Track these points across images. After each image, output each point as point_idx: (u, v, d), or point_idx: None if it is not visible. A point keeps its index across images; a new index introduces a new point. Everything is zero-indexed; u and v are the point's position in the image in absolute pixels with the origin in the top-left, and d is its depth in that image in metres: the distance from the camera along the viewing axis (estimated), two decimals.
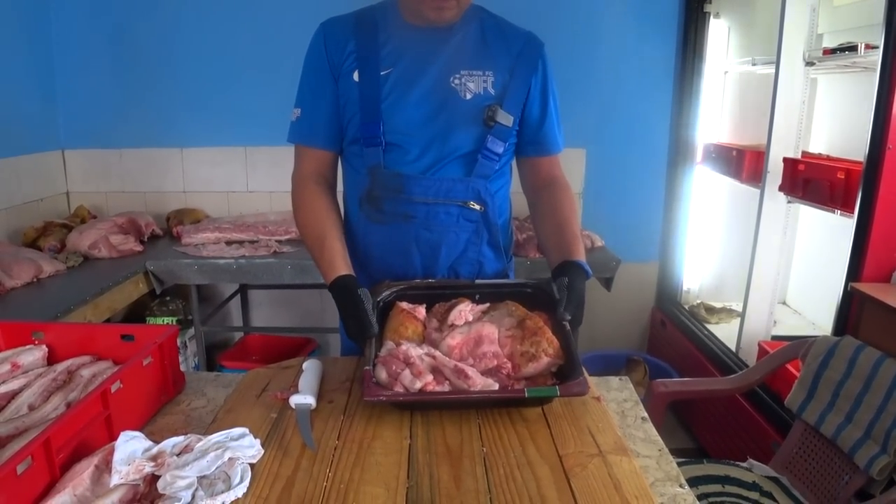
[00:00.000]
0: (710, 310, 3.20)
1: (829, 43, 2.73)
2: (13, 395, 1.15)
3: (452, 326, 1.22)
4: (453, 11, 1.28)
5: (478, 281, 1.41)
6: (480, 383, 1.09)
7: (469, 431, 1.03)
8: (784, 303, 3.28)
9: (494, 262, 1.48)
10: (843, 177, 2.02)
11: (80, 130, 3.22)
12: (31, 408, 1.12)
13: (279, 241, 2.81)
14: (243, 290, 3.38)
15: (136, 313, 2.95)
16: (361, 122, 1.35)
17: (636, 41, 3.12)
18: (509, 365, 1.14)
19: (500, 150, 1.38)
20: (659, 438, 1.11)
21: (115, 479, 0.88)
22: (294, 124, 1.42)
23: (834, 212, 2.11)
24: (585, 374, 1.09)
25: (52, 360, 1.28)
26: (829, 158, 2.59)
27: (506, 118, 1.36)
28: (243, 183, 3.26)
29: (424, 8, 1.26)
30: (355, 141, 1.39)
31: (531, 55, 1.39)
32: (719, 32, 3.14)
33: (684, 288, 3.40)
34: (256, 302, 3.47)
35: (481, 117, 1.35)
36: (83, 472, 0.90)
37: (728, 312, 3.19)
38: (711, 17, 3.08)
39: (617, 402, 1.24)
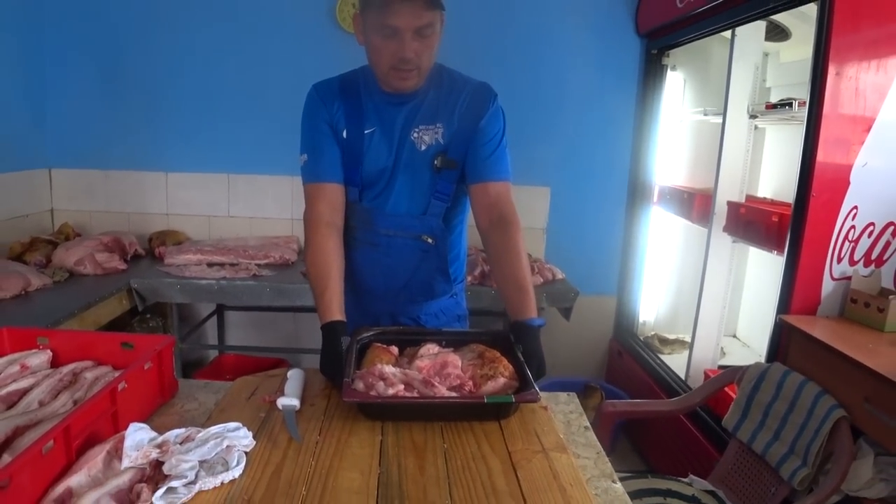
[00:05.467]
0: (664, 341, 3.40)
1: (777, 95, 3.00)
2: (24, 393, 1.27)
3: (422, 357, 1.39)
4: (415, 80, 1.49)
5: (445, 329, 1.64)
6: (445, 393, 1.25)
7: (433, 431, 1.19)
8: (734, 335, 3.50)
9: (443, 284, 1.70)
10: (776, 220, 2.25)
11: (68, 151, 3.34)
12: (42, 404, 1.24)
13: (258, 265, 2.95)
14: (220, 310, 3.50)
15: (115, 328, 3.03)
16: (345, 167, 1.58)
17: (599, 89, 3.36)
18: (471, 383, 1.31)
19: (450, 190, 1.60)
20: (598, 443, 1.28)
21: (125, 463, 1.02)
22: (304, 167, 1.60)
23: (771, 251, 2.33)
24: (537, 388, 1.27)
25: (55, 363, 1.40)
26: (772, 203, 2.83)
27: (450, 163, 1.57)
28: (225, 208, 3.40)
29: (391, 79, 1.48)
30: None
31: (477, 103, 1.58)
32: (676, 84, 3.40)
33: (640, 320, 3.60)
34: (232, 322, 3.58)
35: (432, 164, 1.57)
36: (97, 457, 1.03)
37: (681, 343, 3.40)
38: (669, 70, 3.32)
39: (564, 413, 1.40)
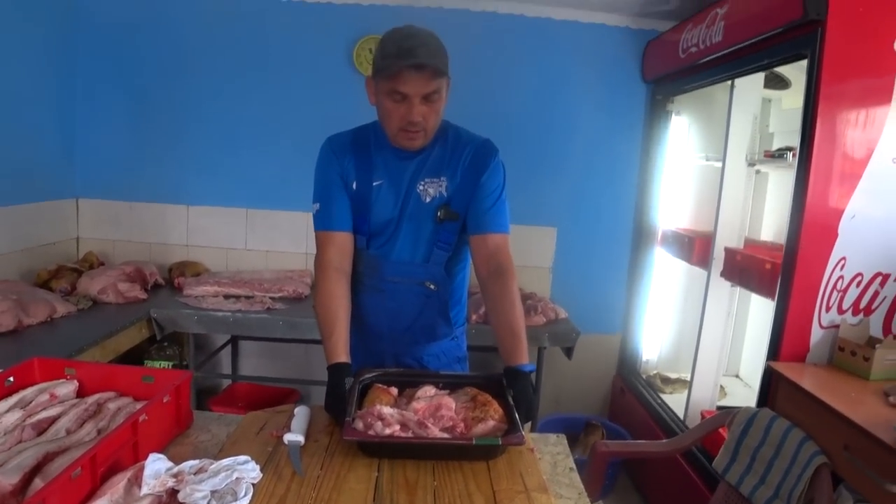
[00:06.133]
0: (666, 380, 3.47)
1: (779, 140, 3.09)
2: (52, 421, 1.38)
3: (418, 399, 1.49)
4: (421, 140, 1.61)
5: (442, 371, 1.76)
6: (438, 435, 1.35)
7: (425, 469, 1.29)
8: (737, 375, 3.55)
9: (444, 328, 1.80)
10: (769, 267, 2.33)
11: (95, 182, 3.50)
12: (69, 431, 1.35)
13: (273, 298, 3.07)
14: (234, 340, 3.62)
15: (133, 356, 3.16)
16: (354, 216, 1.69)
17: (606, 133, 3.49)
18: (462, 425, 1.40)
19: (452, 240, 1.71)
20: (581, 485, 1.36)
21: (144, 490, 1.12)
22: (316, 216, 1.71)
23: (765, 297, 2.41)
24: (524, 431, 1.36)
25: (81, 393, 1.51)
26: (771, 246, 2.90)
27: (452, 215, 1.68)
28: (242, 241, 3.55)
29: (400, 139, 1.61)
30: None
31: (480, 159, 1.69)
32: (680, 129, 3.50)
33: (643, 359, 3.66)
34: (246, 352, 3.70)
35: (435, 215, 1.68)
36: (118, 484, 1.13)
37: (682, 383, 3.45)
38: (673, 115, 3.44)
39: (551, 454, 1.49)
